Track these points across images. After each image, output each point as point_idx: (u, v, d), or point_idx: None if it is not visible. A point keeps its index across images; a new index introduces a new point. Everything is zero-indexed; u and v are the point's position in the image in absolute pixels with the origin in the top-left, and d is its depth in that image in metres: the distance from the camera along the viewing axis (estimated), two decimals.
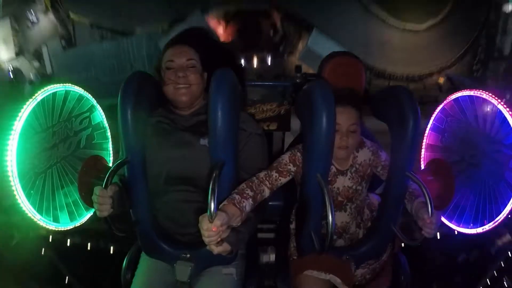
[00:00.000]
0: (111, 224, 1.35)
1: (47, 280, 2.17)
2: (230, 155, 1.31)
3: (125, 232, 1.42)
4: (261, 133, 1.50)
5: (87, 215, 1.82)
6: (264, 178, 1.37)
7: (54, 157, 1.68)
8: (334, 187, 1.47)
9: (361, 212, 1.56)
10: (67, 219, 1.72)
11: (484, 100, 1.70)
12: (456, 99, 1.83)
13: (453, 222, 1.81)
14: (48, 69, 4.95)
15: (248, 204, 1.26)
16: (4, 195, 1.52)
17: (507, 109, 1.60)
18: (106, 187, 1.31)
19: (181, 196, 1.43)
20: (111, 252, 2.32)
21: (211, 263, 1.47)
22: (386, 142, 1.48)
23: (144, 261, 1.57)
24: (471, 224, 1.75)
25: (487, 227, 1.69)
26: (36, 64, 4.72)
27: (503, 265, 2.14)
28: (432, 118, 1.95)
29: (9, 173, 1.47)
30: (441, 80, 4.96)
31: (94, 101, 1.88)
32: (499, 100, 1.63)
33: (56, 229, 1.68)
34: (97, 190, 1.31)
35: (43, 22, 4.39)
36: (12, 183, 1.48)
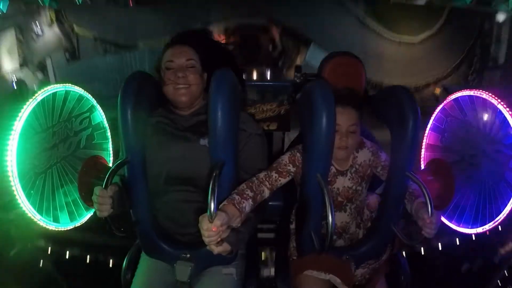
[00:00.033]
0: (111, 224, 1.35)
1: None
2: (230, 155, 1.31)
3: (125, 232, 1.42)
4: (261, 133, 1.50)
5: (87, 215, 1.82)
6: (264, 179, 1.37)
7: (54, 157, 1.68)
8: (334, 188, 1.47)
9: (361, 212, 1.56)
10: (67, 219, 1.72)
11: (484, 100, 1.70)
12: (456, 99, 1.83)
13: (453, 222, 1.81)
14: (52, 80, 4.99)
15: (248, 205, 1.26)
16: (4, 195, 1.52)
17: (507, 109, 1.60)
18: (106, 187, 1.31)
19: (181, 196, 1.43)
20: (110, 265, 2.30)
21: (211, 263, 1.47)
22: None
23: (144, 261, 1.57)
24: (471, 224, 1.76)
25: (487, 227, 1.70)
26: (40, 75, 4.75)
27: (506, 274, 2.12)
28: (432, 118, 1.95)
29: (9, 173, 1.48)
30: (438, 90, 5.00)
31: (94, 101, 1.88)
32: (499, 100, 1.64)
33: (56, 229, 1.68)
34: (97, 190, 1.31)
35: (47, 35, 4.41)
36: (12, 183, 1.48)
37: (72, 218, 1.75)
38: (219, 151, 1.29)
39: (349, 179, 1.48)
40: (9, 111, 1.51)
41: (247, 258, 1.61)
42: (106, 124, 1.94)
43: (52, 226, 1.66)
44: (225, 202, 1.21)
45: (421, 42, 4.78)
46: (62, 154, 1.73)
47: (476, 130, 1.75)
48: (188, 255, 1.45)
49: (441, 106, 1.91)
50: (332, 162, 1.41)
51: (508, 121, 1.61)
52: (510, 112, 1.60)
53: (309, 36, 4.99)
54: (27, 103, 1.54)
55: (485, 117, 1.72)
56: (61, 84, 1.69)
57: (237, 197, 1.24)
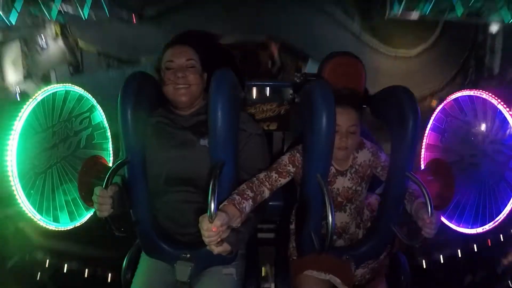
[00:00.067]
0: (111, 224, 1.35)
1: None
2: (230, 155, 1.31)
3: (125, 232, 1.42)
4: (261, 133, 1.50)
5: (87, 215, 1.83)
6: (264, 179, 1.37)
7: (54, 157, 1.68)
8: (334, 188, 1.47)
9: (361, 213, 1.56)
10: (67, 219, 1.73)
11: (484, 100, 1.70)
12: (456, 99, 1.84)
13: (453, 222, 1.81)
14: None
15: (248, 205, 1.26)
16: (4, 194, 1.52)
17: (507, 109, 1.60)
18: (106, 187, 1.31)
19: (181, 197, 1.43)
20: (108, 280, 2.28)
21: (211, 263, 1.47)
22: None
23: (144, 261, 1.57)
24: (471, 224, 1.76)
25: (487, 227, 1.70)
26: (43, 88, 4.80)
27: (510, 285, 2.11)
28: (432, 118, 1.96)
29: (9, 173, 1.48)
30: (434, 103, 5.05)
31: (94, 101, 1.88)
32: (499, 100, 1.64)
33: (56, 229, 1.68)
34: (97, 190, 1.31)
35: (52, 48, 4.45)
36: (12, 183, 1.48)
37: (72, 218, 1.75)
38: (219, 151, 1.29)
39: (349, 180, 1.48)
40: (9, 111, 1.52)
41: (247, 258, 1.61)
42: (106, 124, 1.94)
43: (52, 226, 1.66)
44: (225, 203, 1.21)
45: (417, 55, 4.86)
46: (62, 154, 1.73)
47: (476, 130, 1.75)
48: (188, 255, 1.45)
49: (441, 106, 1.92)
50: (331, 163, 1.41)
51: (508, 121, 1.61)
52: (510, 112, 1.60)
53: (307, 52, 5.06)
54: (27, 103, 1.54)
55: (485, 117, 1.72)
56: (61, 84, 1.69)
57: (237, 197, 1.24)
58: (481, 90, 1.72)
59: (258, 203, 1.32)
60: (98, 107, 1.90)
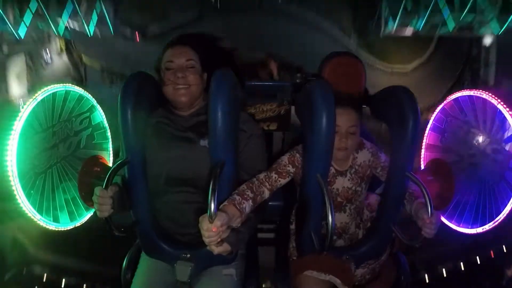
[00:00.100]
0: (111, 224, 1.35)
1: None
2: (230, 156, 1.31)
3: (125, 232, 1.42)
4: (261, 133, 1.50)
5: (87, 215, 1.82)
6: (264, 180, 1.37)
7: (54, 157, 1.68)
8: (334, 188, 1.47)
9: (361, 213, 1.56)
10: (67, 219, 1.73)
11: (484, 100, 1.70)
12: (456, 99, 1.83)
13: (453, 222, 1.81)
14: None
15: (248, 205, 1.26)
16: (4, 195, 1.52)
17: (507, 109, 1.60)
18: (106, 187, 1.31)
19: (181, 197, 1.43)
20: None
21: (211, 263, 1.47)
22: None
23: (144, 261, 1.57)
24: (471, 224, 1.76)
25: (487, 227, 1.70)
26: None
27: None
28: (432, 118, 1.96)
29: (9, 173, 1.48)
30: (430, 116, 5.10)
31: (94, 101, 1.88)
32: (499, 100, 1.64)
33: (56, 229, 1.68)
34: (97, 190, 1.31)
35: (56, 63, 4.49)
36: (12, 183, 1.48)
37: (72, 218, 1.75)
38: (219, 151, 1.29)
39: (348, 180, 1.48)
40: (9, 111, 1.52)
41: (247, 258, 1.61)
42: (106, 124, 1.94)
43: (52, 226, 1.66)
44: (225, 203, 1.21)
45: (413, 70, 4.92)
46: (62, 154, 1.73)
47: (476, 130, 1.75)
48: (188, 255, 1.45)
49: (441, 106, 1.92)
50: (331, 163, 1.41)
51: (508, 121, 1.61)
52: (510, 112, 1.60)
53: (306, 70, 5.14)
54: (27, 103, 1.54)
55: (485, 117, 1.72)
56: (61, 84, 1.69)
57: (237, 197, 1.25)
58: (481, 90, 1.72)
59: (258, 203, 1.32)
60: (98, 107, 1.90)
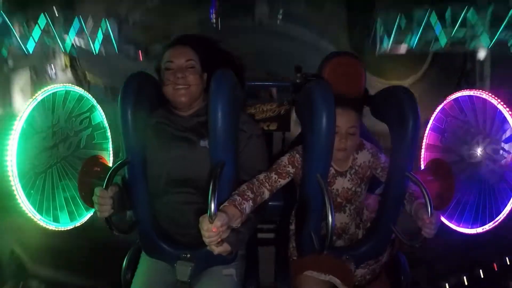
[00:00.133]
0: (111, 224, 1.35)
1: None
2: (230, 156, 1.31)
3: (125, 232, 1.42)
4: (260, 134, 1.50)
5: (87, 215, 1.83)
6: (264, 180, 1.37)
7: (54, 157, 1.68)
8: (333, 189, 1.47)
9: (360, 213, 1.56)
10: (67, 219, 1.73)
11: (484, 100, 1.70)
12: (456, 99, 1.84)
13: (453, 222, 1.81)
14: None
15: (248, 206, 1.26)
16: (4, 195, 1.52)
17: (507, 109, 1.60)
18: (106, 187, 1.31)
19: (181, 198, 1.43)
20: None
21: (212, 263, 1.47)
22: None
23: (144, 261, 1.57)
24: (471, 224, 1.76)
25: (487, 227, 1.70)
26: None
27: None
28: (432, 118, 1.96)
29: (9, 173, 1.48)
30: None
31: (94, 101, 1.88)
32: (499, 100, 1.64)
33: (56, 229, 1.68)
34: (97, 190, 1.31)
35: (61, 79, 4.54)
36: (12, 183, 1.48)
37: (72, 218, 1.75)
38: (219, 151, 1.29)
39: (348, 181, 1.48)
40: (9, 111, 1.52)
41: (247, 258, 1.61)
42: (106, 124, 1.94)
43: (52, 226, 1.66)
44: (226, 203, 1.21)
45: (409, 86, 5.03)
46: (62, 154, 1.73)
47: (476, 130, 1.75)
48: (189, 255, 1.45)
49: (441, 106, 1.92)
50: (331, 163, 1.41)
51: (508, 121, 1.61)
52: (510, 112, 1.60)
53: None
54: (27, 103, 1.54)
55: (485, 117, 1.72)
56: (61, 84, 1.69)
57: (238, 198, 1.25)
58: (481, 90, 1.72)
59: (258, 204, 1.32)
60: (98, 107, 1.90)
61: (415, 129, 1.33)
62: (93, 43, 4.48)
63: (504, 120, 1.62)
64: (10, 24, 3.24)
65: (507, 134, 1.63)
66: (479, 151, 1.75)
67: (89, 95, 1.85)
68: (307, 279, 1.49)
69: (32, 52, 3.61)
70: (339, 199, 1.48)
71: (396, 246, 1.64)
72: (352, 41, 4.99)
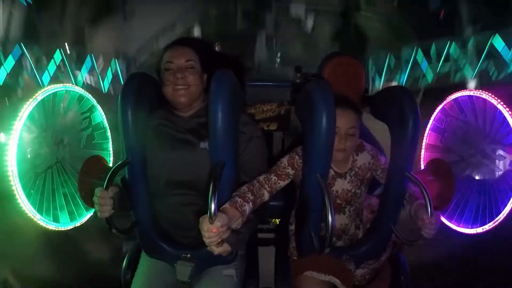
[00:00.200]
0: (112, 224, 1.35)
1: None
2: (230, 156, 1.30)
3: (125, 233, 1.41)
4: (260, 135, 1.49)
5: (87, 215, 1.83)
6: (264, 182, 1.37)
7: (54, 157, 1.68)
8: (333, 190, 1.47)
9: (360, 214, 1.56)
10: (67, 219, 1.73)
11: (484, 100, 1.70)
12: (456, 99, 1.84)
13: (453, 222, 1.82)
14: None
15: (248, 208, 1.26)
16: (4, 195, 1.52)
17: (507, 109, 1.61)
18: (107, 188, 1.31)
19: (181, 199, 1.43)
20: None
21: (212, 263, 1.47)
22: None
23: (144, 261, 1.57)
24: (471, 224, 1.76)
25: (487, 227, 1.70)
26: None
27: None
28: (432, 118, 1.96)
29: (9, 173, 1.48)
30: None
31: (94, 101, 1.88)
32: (499, 100, 1.64)
33: (56, 229, 1.68)
34: (97, 191, 1.31)
35: (70, 115, 4.76)
36: (12, 183, 1.48)
37: (72, 218, 1.75)
38: (219, 152, 1.29)
39: (348, 182, 1.47)
40: (9, 110, 1.52)
41: (247, 258, 1.61)
42: (106, 124, 1.94)
43: (52, 226, 1.66)
44: (226, 204, 1.21)
45: None
46: (62, 154, 1.73)
47: (475, 130, 1.75)
48: (189, 255, 1.45)
49: (441, 106, 1.92)
50: (330, 165, 1.41)
51: (508, 121, 1.61)
52: (510, 112, 1.60)
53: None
54: (27, 103, 1.54)
55: (485, 117, 1.72)
56: (61, 84, 1.69)
57: (239, 199, 1.25)
58: (481, 90, 1.72)
59: (257, 206, 1.32)
60: (98, 107, 1.90)
61: (415, 129, 1.33)
62: (103, 81, 4.73)
63: (504, 120, 1.62)
64: (28, 56, 3.36)
65: (507, 134, 1.63)
66: (479, 151, 1.75)
67: (89, 95, 1.85)
68: (307, 279, 1.49)
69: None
70: (339, 200, 1.48)
71: (397, 246, 1.64)
72: None
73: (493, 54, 4.10)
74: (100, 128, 1.92)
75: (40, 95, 1.57)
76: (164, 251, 1.48)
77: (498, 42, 4.04)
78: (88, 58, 4.45)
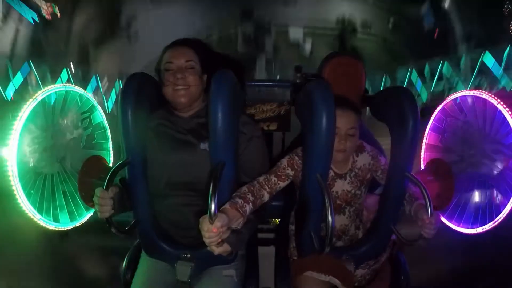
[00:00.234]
0: (112, 224, 1.35)
1: None
2: (230, 156, 1.30)
3: (126, 233, 1.41)
4: (260, 135, 1.49)
5: (87, 215, 1.83)
6: (263, 182, 1.37)
7: (54, 157, 1.68)
8: (333, 191, 1.46)
9: (360, 215, 1.56)
10: (67, 219, 1.73)
11: (484, 100, 1.70)
12: (456, 99, 1.84)
13: (453, 222, 1.82)
14: None
15: (249, 208, 1.26)
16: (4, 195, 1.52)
17: (507, 109, 1.61)
18: (107, 188, 1.31)
19: (181, 200, 1.43)
20: None
21: (212, 263, 1.47)
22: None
23: (144, 261, 1.57)
24: (471, 224, 1.76)
25: (487, 227, 1.70)
26: None
27: None
28: (432, 118, 1.96)
29: (9, 173, 1.48)
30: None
31: (94, 101, 1.88)
32: (499, 100, 1.64)
33: (56, 229, 1.68)
34: (98, 191, 1.30)
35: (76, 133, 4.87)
36: (12, 183, 1.48)
37: (72, 218, 1.75)
38: (219, 152, 1.29)
39: (348, 183, 1.47)
40: (9, 110, 1.52)
41: (247, 258, 1.61)
42: (106, 124, 1.94)
43: (52, 226, 1.66)
44: (226, 205, 1.21)
45: None
46: (62, 154, 1.73)
47: (476, 130, 1.75)
48: (189, 255, 1.45)
49: (441, 106, 1.92)
50: (330, 166, 1.41)
51: (508, 121, 1.61)
52: (510, 112, 1.60)
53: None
54: (27, 103, 1.54)
55: (485, 117, 1.72)
56: (61, 84, 1.69)
57: (239, 200, 1.25)
58: (480, 90, 1.72)
59: (257, 206, 1.32)
60: (98, 107, 1.90)
61: (415, 129, 1.33)
62: (107, 101, 4.81)
63: (504, 120, 1.62)
64: (36, 73, 3.40)
65: (507, 134, 1.63)
66: (479, 151, 1.75)
67: (89, 95, 1.85)
68: (307, 279, 1.49)
69: None
70: (339, 201, 1.48)
71: (396, 246, 1.64)
72: None
73: (484, 71, 4.22)
74: (100, 128, 1.92)
75: (40, 95, 1.57)
76: (164, 251, 1.48)
77: (488, 59, 4.17)
78: (93, 78, 4.54)
